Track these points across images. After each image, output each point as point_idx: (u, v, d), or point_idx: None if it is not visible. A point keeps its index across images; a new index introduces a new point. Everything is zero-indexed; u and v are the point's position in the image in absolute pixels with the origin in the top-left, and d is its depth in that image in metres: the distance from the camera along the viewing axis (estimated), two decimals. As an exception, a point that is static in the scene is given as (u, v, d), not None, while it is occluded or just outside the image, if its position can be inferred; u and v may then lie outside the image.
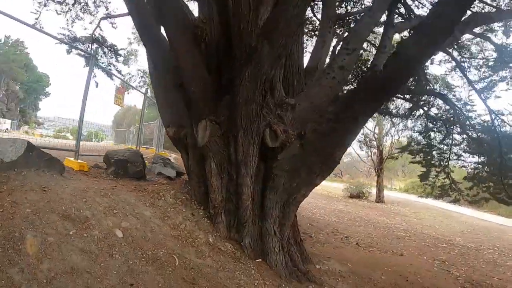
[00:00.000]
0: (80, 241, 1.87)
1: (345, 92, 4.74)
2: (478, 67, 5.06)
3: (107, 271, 1.77)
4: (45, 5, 5.10)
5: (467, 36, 5.22)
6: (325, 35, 4.64)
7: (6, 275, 1.39)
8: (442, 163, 4.96)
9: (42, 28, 5.10)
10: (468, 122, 4.72)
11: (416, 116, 5.75)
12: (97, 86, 6.43)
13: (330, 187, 19.41)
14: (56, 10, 5.46)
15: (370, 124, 17.21)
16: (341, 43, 4.14)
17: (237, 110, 2.91)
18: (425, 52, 2.54)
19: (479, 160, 4.79)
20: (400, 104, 6.69)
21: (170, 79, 3.43)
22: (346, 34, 5.69)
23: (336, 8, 5.65)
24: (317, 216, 8.80)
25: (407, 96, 5.59)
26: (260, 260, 3.17)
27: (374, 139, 17.06)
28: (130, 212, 2.59)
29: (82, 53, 5.66)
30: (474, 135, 4.52)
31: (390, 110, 6.37)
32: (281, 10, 2.60)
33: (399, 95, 5.77)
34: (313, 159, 3.21)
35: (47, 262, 1.58)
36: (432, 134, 5.14)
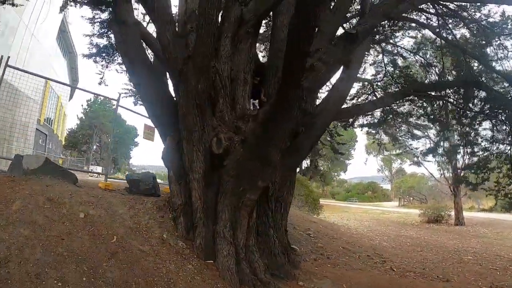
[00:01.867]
0: (48, 211, 3.25)
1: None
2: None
3: (51, 229, 3.02)
4: (106, 67, 7.44)
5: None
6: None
7: (-7, 214, 2.88)
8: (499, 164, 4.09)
9: (107, 85, 7.62)
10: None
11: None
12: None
13: (411, 214, 18.97)
14: (116, 70, 7.78)
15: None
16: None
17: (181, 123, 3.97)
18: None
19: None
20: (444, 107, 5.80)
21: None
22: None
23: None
24: (375, 242, 8.83)
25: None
26: (212, 262, 3.75)
27: (444, 153, 15.63)
28: (104, 207, 3.89)
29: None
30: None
31: (437, 117, 5.68)
32: (197, 34, 3.66)
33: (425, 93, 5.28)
34: (253, 163, 3.76)
35: (19, 213, 2.98)
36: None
